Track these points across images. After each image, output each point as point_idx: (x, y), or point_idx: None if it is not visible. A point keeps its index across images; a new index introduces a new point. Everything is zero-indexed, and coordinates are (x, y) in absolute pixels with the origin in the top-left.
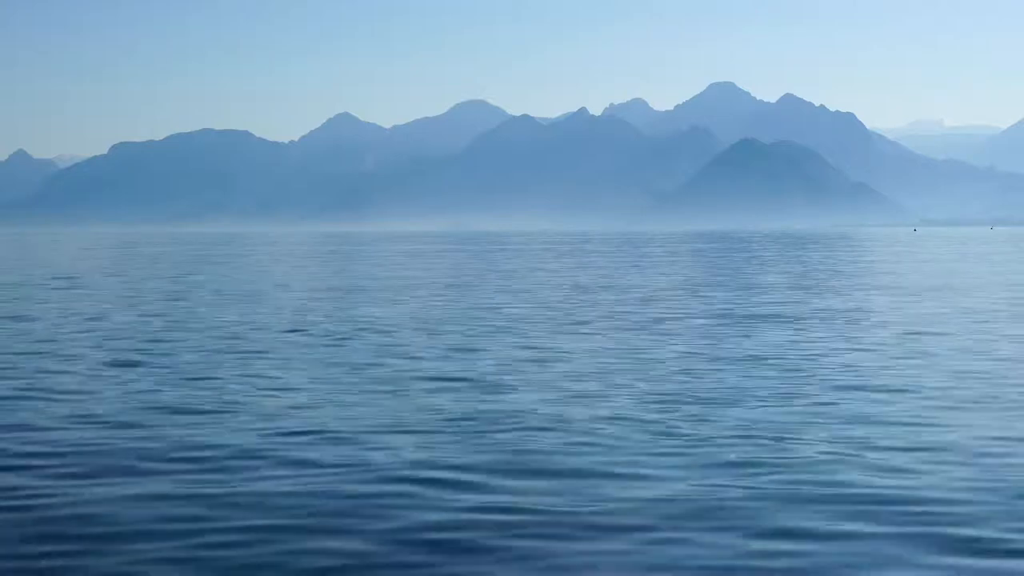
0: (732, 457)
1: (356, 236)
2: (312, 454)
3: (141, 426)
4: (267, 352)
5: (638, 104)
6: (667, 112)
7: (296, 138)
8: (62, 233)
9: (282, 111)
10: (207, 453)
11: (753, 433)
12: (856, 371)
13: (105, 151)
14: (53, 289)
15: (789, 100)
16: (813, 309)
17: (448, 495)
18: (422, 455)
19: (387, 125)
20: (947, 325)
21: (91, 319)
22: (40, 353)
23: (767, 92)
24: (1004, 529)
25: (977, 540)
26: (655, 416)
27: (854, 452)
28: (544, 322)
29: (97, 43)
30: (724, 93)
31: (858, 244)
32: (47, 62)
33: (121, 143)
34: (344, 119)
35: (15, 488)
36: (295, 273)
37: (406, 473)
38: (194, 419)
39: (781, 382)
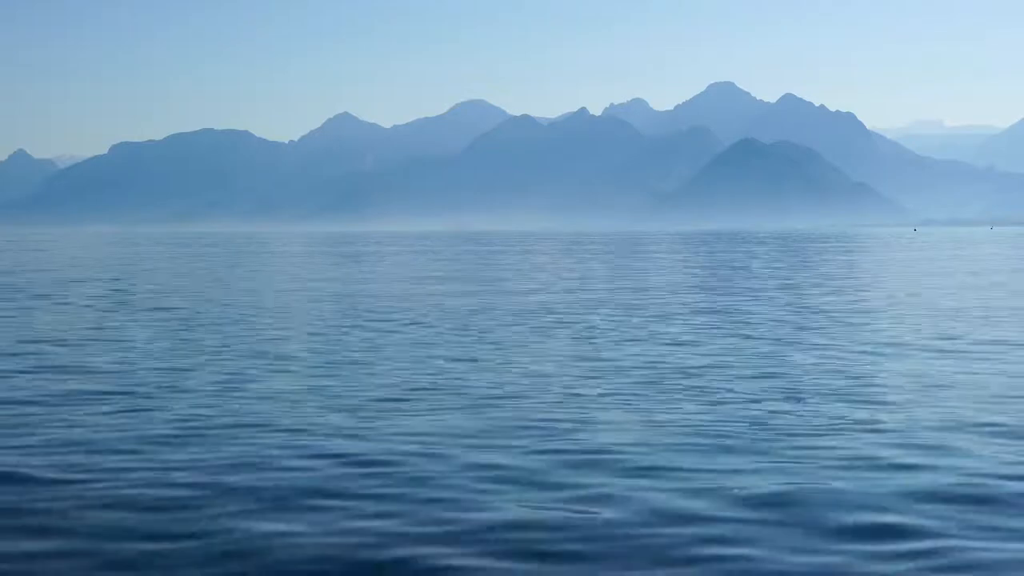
0: None
1: (381, 236)
2: None
3: None
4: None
5: (638, 104)
6: (667, 112)
7: (296, 138)
8: (70, 233)
9: (282, 111)
10: None
11: None
12: None
13: (105, 151)
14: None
15: (789, 100)
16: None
17: None
18: None
19: (387, 125)
20: None
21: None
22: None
23: (767, 92)
24: None
25: None
26: None
27: None
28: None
29: (97, 43)
30: (724, 93)
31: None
32: (47, 62)
33: (121, 143)
34: (344, 119)
35: None
36: (432, 268)
37: None
38: None
39: None
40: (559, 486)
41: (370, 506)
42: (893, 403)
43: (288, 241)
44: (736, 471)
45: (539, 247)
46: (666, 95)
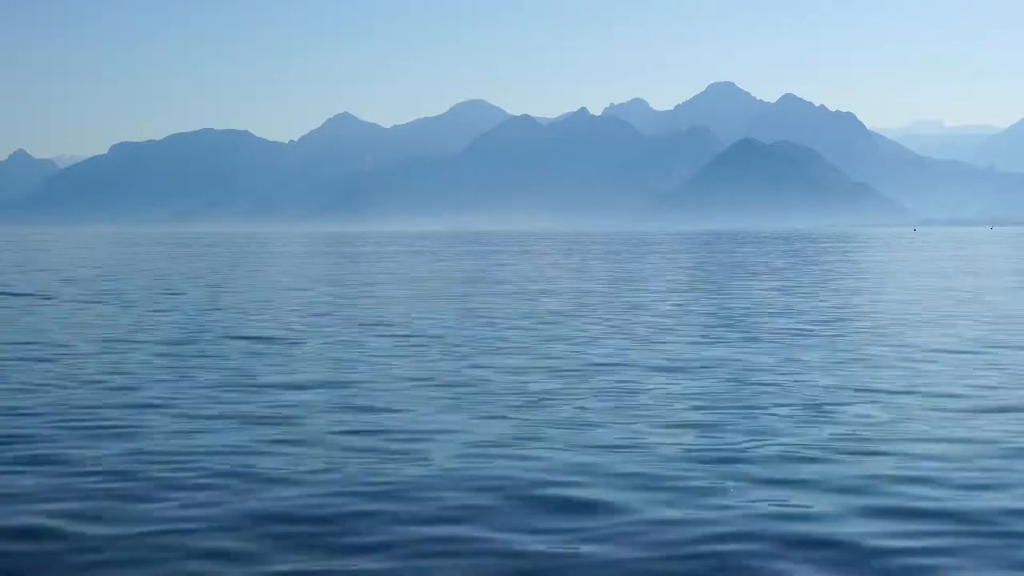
0: None
1: (392, 236)
2: None
3: None
4: None
5: (638, 104)
6: (667, 112)
7: (296, 138)
8: (71, 233)
9: (282, 111)
10: None
11: None
12: None
13: (105, 151)
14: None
15: (789, 100)
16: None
17: None
18: None
19: (387, 125)
20: None
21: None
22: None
23: (767, 92)
24: None
25: None
26: None
27: None
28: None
29: (97, 43)
30: (724, 93)
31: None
32: (47, 62)
33: (121, 143)
34: (344, 119)
35: None
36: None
37: None
38: None
39: None
40: None
41: None
42: None
43: (303, 241)
44: None
45: (591, 248)
46: (666, 95)
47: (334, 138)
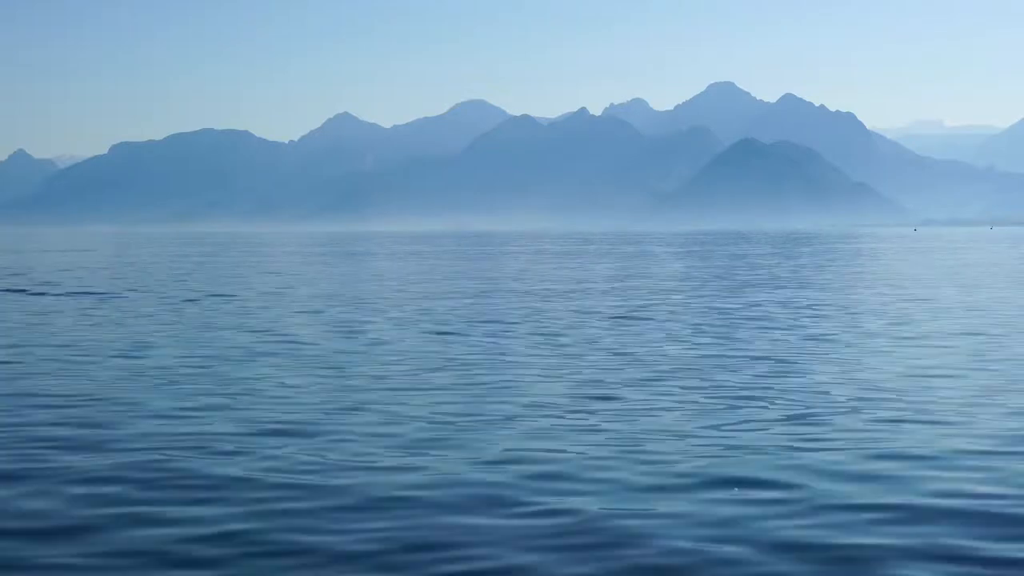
0: None
1: (399, 236)
2: None
3: None
4: None
5: (638, 104)
6: (667, 112)
7: (296, 138)
8: (72, 233)
9: (282, 111)
10: None
11: None
12: None
13: (105, 151)
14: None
15: (789, 100)
16: None
17: None
18: None
19: (387, 125)
20: None
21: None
22: None
23: (767, 92)
24: None
25: None
26: None
27: None
28: None
29: (97, 43)
30: (724, 93)
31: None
32: (47, 62)
33: (121, 143)
34: (344, 119)
35: None
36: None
37: None
38: None
39: None
40: None
41: None
42: None
43: (315, 242)
44: None
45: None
46: (666, 95)
47: (334, 138)
